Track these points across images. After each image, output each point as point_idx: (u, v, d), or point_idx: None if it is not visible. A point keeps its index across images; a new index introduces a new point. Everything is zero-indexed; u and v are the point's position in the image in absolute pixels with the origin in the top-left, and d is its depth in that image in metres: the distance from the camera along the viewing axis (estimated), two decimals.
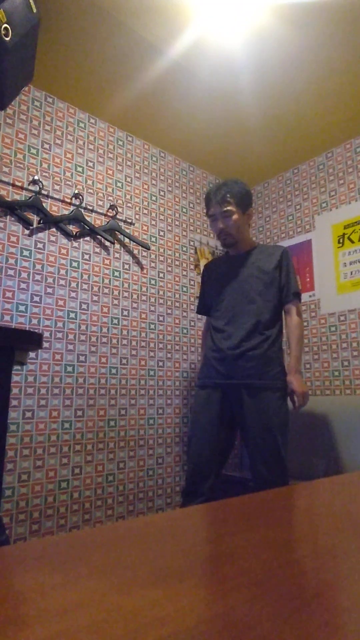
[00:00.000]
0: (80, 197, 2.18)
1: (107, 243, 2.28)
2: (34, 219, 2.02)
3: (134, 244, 2.38)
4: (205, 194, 1.81)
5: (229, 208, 1.72)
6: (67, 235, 2.12)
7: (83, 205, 2.21)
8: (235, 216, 1.73)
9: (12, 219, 1.95)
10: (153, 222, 2.53)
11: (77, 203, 2.18)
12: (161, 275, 2.50)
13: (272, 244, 1.88)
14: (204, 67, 2.01)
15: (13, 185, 1.98)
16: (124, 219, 2.38)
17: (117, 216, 2.35)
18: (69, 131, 2.24)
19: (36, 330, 1.94)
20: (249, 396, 1.63)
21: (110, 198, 2.35)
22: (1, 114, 2.00)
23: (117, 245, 2.32)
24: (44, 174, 2.10)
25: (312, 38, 1.84)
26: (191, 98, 2.21)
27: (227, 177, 2.36)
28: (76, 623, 0.22)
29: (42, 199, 2.05)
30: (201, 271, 2.23)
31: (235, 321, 1.72)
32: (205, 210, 1.84)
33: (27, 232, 1.99)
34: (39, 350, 1.94)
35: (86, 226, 2.17)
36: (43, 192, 2.07)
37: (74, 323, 2.07)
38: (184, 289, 2.60)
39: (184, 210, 2.72)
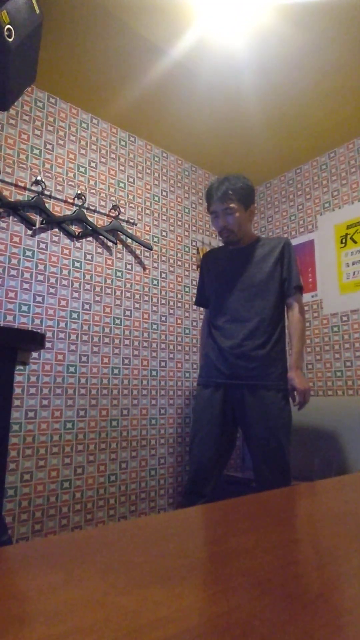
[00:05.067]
0: (83, 197, 2.18)
1: (110, 243, 2.28)
2: (37, 219, 2.03)
3: (136, 244, 2.38)
4: (207, 190, 1.75)
5: (231, 205, 1.67)
6: (70, 235, 2.12)
7: (85, 205, 2.21)
8: (237, 213, 1.68)
9: (15, 219, 1.96)
10: (155, 223, 2.53)
11: (80, 203, 2.19)
12: (163, 275, 2.50)
13: (273, 237, 1.82)
14: (206, 67, 2.01)
15: (16, 185, 1.99)
16: (126, 219, 2.38)
17: (120, 216, 2.35)
18: (72, 132, 2.25)
19: (39, 331, 1.95)
20: (251, 396, 1.62)
21: (112, 198, 2.36)
22: (4, 114, 2.00)
23: (119, 246, 2.32)
24: (46, 174, 2.11)
25: (315, 38, 1.83)
26: (193, 98, 2.21)
27: None
28: (78, 623, 0.22)
29: (44, 200, 2.05)
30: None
31: (237, 319, 1.69)
32: (206, 207, 1.79)
33: (29, 232, 2.00)
34: (42, 351, 1.94)
35: (88, 226, 2.17)
36: (46, 192, 2.07)
37: (77, 323, 2.07)
38: (187, 289, 2.60)
39: (187, 210, 2.72)
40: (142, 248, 2.42)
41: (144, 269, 2.41)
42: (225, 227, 1.71)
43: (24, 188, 2.01)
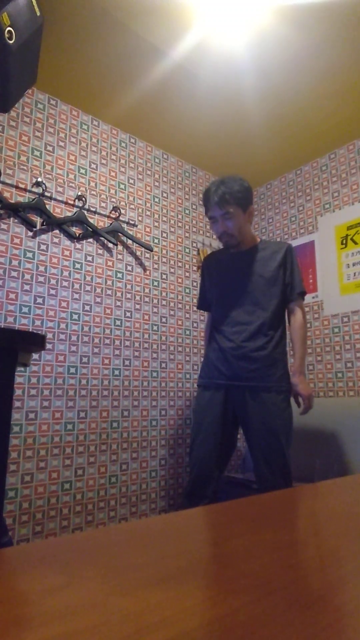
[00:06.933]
0: (84, 198, 2.18)
1: (110, 245, 2.28)
2: (37, 220, 2.03)
3: (137, 245, 2.39)
4: (204, 194, 1.72)
5: (229, 210, 1.64)
6: (70, 236, 2.12)
7: (86, 207, 2.21)
8: (236, 217, 1.67)
9: (16, 220, 1.96)
10: (156, 224, 2.54)
11: (80, 205, 2.19)
12: (164, 276, 2.50)
13: (275, 240, 1.81)
14: (206, 69, 2.01)
15: (16, 187, 1.99)
16: (126, 220, 2.38)
17: (120, 218, 2.35)
18: (72, 133, 2.25)
19: (39, 332, 1.95)
20: (252, 398, 1.62)
21: (113, 200, 2.36)
22: (5, 116, 2.01)
23: (119, 247, 2.33)
24: (47, 175, 2.11)
25: (315, 39, 1.84)
26: (194, 100, 2.22)
27: None
28: (79, 625, 0.22)
29: (45, 201, 2.06)
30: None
31: (238, 322, 1.69)
32: (204, 212, 1.77)
33: (30, 233, 2.00)
34: (42, 352, 1.94)
35: (89, 228, 2.18)
36: (46, 194, 2.07)
37: (77, 324, 2.07)
38: (187, 290, 2.60)
39: (187, 211, 2.72)
40: (143, 249, 2.42)
41: (145, 270, 2.41)
42: (225, 232, 1.70)
43: (25, 190, 2.01)
